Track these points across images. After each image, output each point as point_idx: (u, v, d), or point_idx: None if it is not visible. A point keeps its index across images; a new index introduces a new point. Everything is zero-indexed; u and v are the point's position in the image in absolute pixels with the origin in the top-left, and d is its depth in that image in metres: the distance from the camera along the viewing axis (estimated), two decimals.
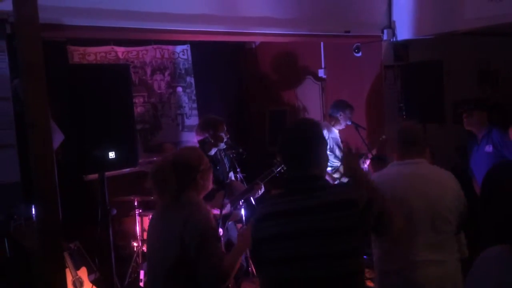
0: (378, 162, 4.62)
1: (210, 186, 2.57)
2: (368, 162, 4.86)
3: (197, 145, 3.97)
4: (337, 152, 5.03)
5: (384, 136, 4.79)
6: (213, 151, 4.11)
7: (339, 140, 5.13)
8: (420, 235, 2.49)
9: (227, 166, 4.21)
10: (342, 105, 5.07)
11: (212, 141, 4.04)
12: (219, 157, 4.16)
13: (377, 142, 4.93)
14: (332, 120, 5.12)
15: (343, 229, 1.91)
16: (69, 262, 4.11)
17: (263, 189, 4.02)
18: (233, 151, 4.25)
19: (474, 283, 1.83)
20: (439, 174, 2.64)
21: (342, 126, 5.11)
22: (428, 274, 2.46)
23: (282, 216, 1.99)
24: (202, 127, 4.14)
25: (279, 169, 4.04)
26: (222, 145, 4.11)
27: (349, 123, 5.07)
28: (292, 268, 1.95)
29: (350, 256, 1.93)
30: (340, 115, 5.05)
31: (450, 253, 2.54)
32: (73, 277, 4.14)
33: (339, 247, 1.91)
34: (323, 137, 2.11)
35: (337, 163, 5.00)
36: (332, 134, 5.05)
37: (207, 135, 4.05)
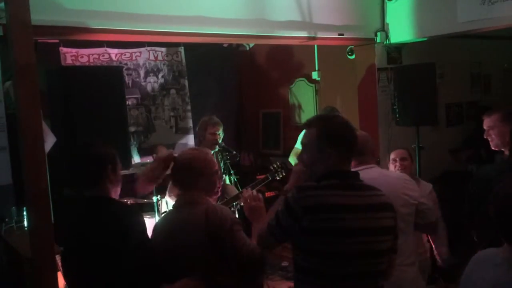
0: None
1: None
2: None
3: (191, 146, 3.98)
4: None
5: None
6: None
7: None
8: None
9: (221, 169, 4.20)
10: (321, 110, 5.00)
11: (207, 141, 4.09)
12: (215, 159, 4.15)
13: None
14: None
15: (386, 229, 2.03)
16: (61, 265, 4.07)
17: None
18: (227, 153, 4.26)
19: (469, 284, 1.84)
20: (389, 178, 2.69)
21: None
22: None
23: (340, 210, 1.95)
24: (198, 127, 4.21)
25: (274, 176, 4.04)
26: (216, 147, 4.12)
27: None
28: (337, 262, 1.94)
29: (386, 255, 2.04)
30: None
31: (407, 257, 2.57)
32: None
33: (381, 246, 2.00)
34: None
35: None
36: None
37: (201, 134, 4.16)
